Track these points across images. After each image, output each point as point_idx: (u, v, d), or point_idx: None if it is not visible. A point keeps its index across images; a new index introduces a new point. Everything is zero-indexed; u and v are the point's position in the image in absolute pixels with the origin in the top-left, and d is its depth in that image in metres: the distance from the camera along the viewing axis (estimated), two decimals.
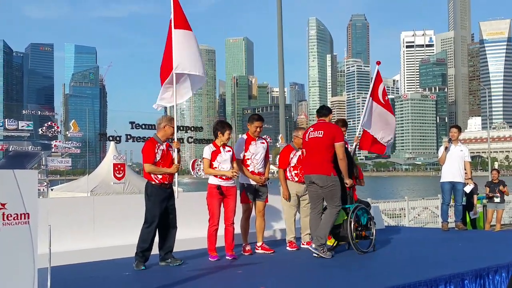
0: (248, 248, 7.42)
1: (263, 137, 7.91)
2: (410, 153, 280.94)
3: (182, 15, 7.17)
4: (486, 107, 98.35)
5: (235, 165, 7.10)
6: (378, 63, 9.50)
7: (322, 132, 7.03)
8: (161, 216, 6.51)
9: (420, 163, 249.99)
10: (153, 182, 6.54)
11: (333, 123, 7.64)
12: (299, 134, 7.96)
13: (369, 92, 9.17)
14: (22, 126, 8.26)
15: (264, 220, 7.64)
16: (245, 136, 7.60)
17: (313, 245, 6.90)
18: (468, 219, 12.73)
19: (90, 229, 7.31)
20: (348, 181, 7.03)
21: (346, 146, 8.45)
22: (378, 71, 9.35)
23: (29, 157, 3.95)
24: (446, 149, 9.91)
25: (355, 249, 7.11)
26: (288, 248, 7.79)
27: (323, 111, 7.35)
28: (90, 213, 7.39)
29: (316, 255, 6.83)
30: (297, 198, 7.92)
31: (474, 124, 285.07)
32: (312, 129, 7.27)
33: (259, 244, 7.57)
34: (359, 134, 8.88)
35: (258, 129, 7.50)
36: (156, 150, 6.57)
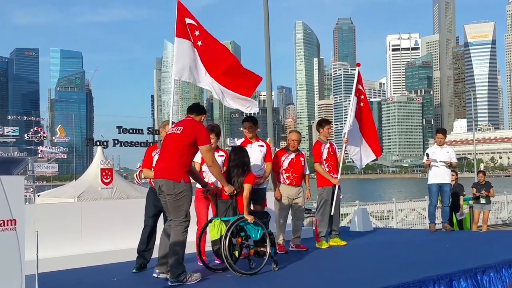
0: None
1: (264, 140, 7.91)
2: (397, 155, 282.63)
3: (183, 24, 7.21)
4: (472, 109, 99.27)
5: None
6: (358, 65, 9.65)
7: (181, 128, 5.82)
8: (155, 218, 6.57)
9: (407, 165, 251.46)
10: (150, 185, 6.63)
11: (317, 123, 7.70)
12: (291, 137, 7.99)
13: (353, 92, 9.25)
14: (8, 132, 8.18)
15: None
16: (242, 139, 7.62)
17: (169, 279, 5.56)
18: (454, 220, 12.82)
19: (77, 234, 7.25)
20: (227, 189, 5.98)
21: (332, 151, 8.50)
22: (359, 72, 9.44)
23: (15, 163, 3.91)
24: (427, 161, 10.08)
25: (231, 271, 5.86)
26: (276, 251, 7.77)
27: (194, 107, 6.14)
28: (77, 219, 7.33)
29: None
30: (289, 201, 7.92)
31: (459, 126, 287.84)
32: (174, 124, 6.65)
33: None
34: (346, 137, 8.92)
35: (247, 130, 7.50)
36: (153, 155, 6.64)
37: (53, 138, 8.98)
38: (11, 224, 3.55)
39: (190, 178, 5.80)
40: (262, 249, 6.11)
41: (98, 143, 8.56)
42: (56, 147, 8.89)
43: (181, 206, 5.61)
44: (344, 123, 9.43)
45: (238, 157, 6.34)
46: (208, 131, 6.93)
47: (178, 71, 7.10)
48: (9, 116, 8.75)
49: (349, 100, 9.32)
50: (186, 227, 5.65)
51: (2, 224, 3.49)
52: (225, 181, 6.00)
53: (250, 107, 7.70)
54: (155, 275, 5.93)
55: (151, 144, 7.02)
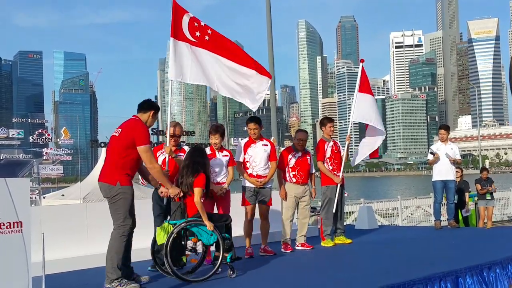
0: (249, 251, 7.41)
1: (268, 139, 7.91)
2: (402, 152, 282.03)
3: (179, 24, 7.10)
4: (476, 105, 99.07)
5: (227, 180, 7.03)
6: (362, 61, 9.64)
7: (120, 130, 5.65)
8: (162, 218, 6.62)
9: (412, 162, 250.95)
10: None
11: (319, 121, 7.68)
12: (298, 136, 7.98)
13: (357, 88, 9.23)
14: (13, 134, 8.23)
15: (268, 223, 7.62)
16: (246, 139, 7.63)
17: (105, 284, 5.33)
18: (460, 217, 12.80)
19: (83, 236, 7.27)
20: (171, 191, 5.69)
21: (335, 149, 8.50)
22: (363, 68, 9.42)
23: (20, 165, 3.93)
24: (434, 158, 10.07)
25: (174, 277, 5.52)
26: (282, 249, 7.79)
27: (141, 104, 5.89)
28: (83, 220, 7.35)
29: None
30: (295, 200, 7.93)
31: (464, 123, 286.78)
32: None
33: (262, 246, 7.58)
34: (350, 132, 8.91)
35: (252, 131, 7.50)
36: (158, 155, 6.71)
37: (58, 140, 9.03)
38: (17, 226, 3.57)
39: (136, 180, 5.78)
40: (217, 253, 5.81)
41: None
42: (61, 149, 8.94)
43: (118, 210, 5.40)
44: (348, 120, 9.40)
45: (191, 156, 6.01)
46: (215, 131, 6.98)
47: (173, 72, 7.01)
48: (13, 119, 8.81)
49: (353, 98, 9.30)
50: (124, 232, 5.40)
51: (8, 226, 3.51)
52: (169, 183, 5.72)
53: (259, 97, 7.58)
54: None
55: (155, 145, 7.01)
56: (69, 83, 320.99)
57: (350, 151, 9.24)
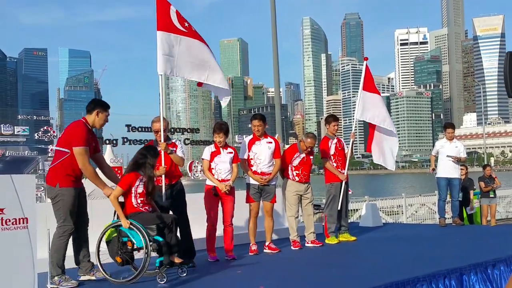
0: (254, 248, 7.43)
1: (273, 136, 7.92)
2: (407, 150, 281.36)
3: (167, 16, 6.88)
4: (481, 103, 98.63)
5: (232, 177, 7.05)
6: (366, 59, 9.61)
7: (61, 133, 5.78)
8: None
9: (416, 160, 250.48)
10: None
11: (324, 119, 7.67)
12: (306, 141, 7.90)
13: (360, 87, 9.21)
14: (18, 131, 8.26)
15: (273, 220, 7.64)
16: (251, 136, 7.63)
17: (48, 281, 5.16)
18: (465, 215, 12.76)
19: (88, 233, 7.29)
20: (104, 191, 5.67)
21: (339, 146, 8.51)
22: (367, 66, 9.39)
23: (26, 162, 3.96)
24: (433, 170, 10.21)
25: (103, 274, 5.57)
26: (292, 247, 7.80)
27: (87, 106, 5.86)
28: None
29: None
30: (298, 197, 7.93)
31: (469, 120, 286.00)
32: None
33: (266, 243, 7.59)
34: (355, 130, 8.91)
35: (256, 128, 7.51)
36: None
37: None
38: (23, 222, 3.60)
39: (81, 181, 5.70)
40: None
41: (107, 142, 8.61)
42: None
43: (58, 211, 5.44)
44: (353, 118, 9.39)
45: (135, 155, 5.95)
46: (218, 129, 6.95)
47: (162, 66, 6.78)
48: (19, 116, 8.83)
49: (358, 96, 9.29)
50: (64, 232, 5.42)
51: (14, 223, 3.53)
52: (103, 184, 5.67)
53: (226, 98, 7.61)
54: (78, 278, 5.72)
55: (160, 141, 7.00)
56: (74, 80, 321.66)
57: (355, 149, 9.23)
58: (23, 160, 4.16)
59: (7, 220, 3.50)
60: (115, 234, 5.59)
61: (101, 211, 7.19)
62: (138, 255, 5.68)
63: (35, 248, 3.67)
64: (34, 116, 8.88)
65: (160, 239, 5.53)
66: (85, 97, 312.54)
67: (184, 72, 7.00)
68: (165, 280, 5.44)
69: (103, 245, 5.68)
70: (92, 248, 5.67)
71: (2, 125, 8.14)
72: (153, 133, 6.99)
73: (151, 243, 5.43)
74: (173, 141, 6.81)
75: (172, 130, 9.88)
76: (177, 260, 5.65)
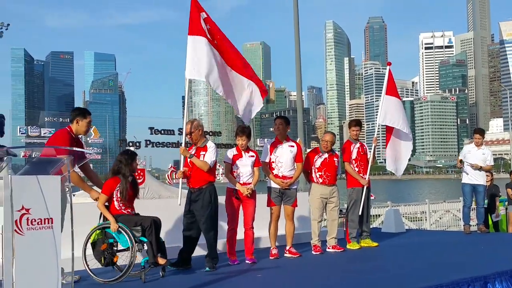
0: (274, 252, 7.41)
1: (295, 140, 7.92)
2: (431, 155, 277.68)
3: (197, 21, 6.97)
4: (508, 108, 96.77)
5: (253, 181, 7.06)
6: (389, 64, 9.59)
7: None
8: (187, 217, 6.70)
9: (441, 165, 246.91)
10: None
11: (348, 123, 7.68)
12: (324, 138, 7.97)
13: (383, 92, 9.17)
14: (44, 133, 8.44)
15: (293, 224, 7.61)
16: (273, 140, 7.65)
17: None
18: (490, 222, 12.53)
19: (73, 237, 7.34)
20: (91, 195, 5.96)
21: (362, 151, 8.45)
22: (390, 71, 9.36)
23: (52, 163, 4.04)
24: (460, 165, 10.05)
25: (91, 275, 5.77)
26: (313, 252, 7.77)
27: (70, 114, 6.15)
28: None
29: None
30: (322, 201, 7.90)
31: (495, 126, 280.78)
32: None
33: (287, 247, 7.58)
34: (377, 134, 8.84)
35: (276, 126, 7.53)
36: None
37: (88, 139, 9.19)
38: (48, 223, 3.66)
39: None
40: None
41: (130, 144, 8.73)
42: (91, 148, 9.11)
43: None
44: (375, 122, 9.34)
45: (117, 158, 6.23)
46: (241, 132, 6.96)
47: (191, 71, 6.87)
48: (45, 118, 9.01)
49: (380, 101, 9.23)
50: None
51: (39, 223, 3.60)
52: (89, 187, 5.96)
53: (250, 115, 7.58)
54: None
55: (181, 145, 7.04)
56: (99, 83, 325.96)
57: (378, 154, 9.17)
58: (49, 162, 4.24)
59: (33, 220, 3.56)
60: (101, 236, 5.83)
61: (84, 215, 7.23)
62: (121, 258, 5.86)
63: (59, 248, 3.73)
64: (60, 118, 9.06)
65: (145, 239, 5.78)
66: (110, 99, 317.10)
67: (210, 79, 6.98)
68: (143, 278, 5.68)
69: (90, 247, 5.89)
70: (77, 252, 5.69)
71: (29, 127, 8.33)
72: None
73: (136, 243, 5.70)
74: (206, 144, 6.71)
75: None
76: (161, 260, 5.84)
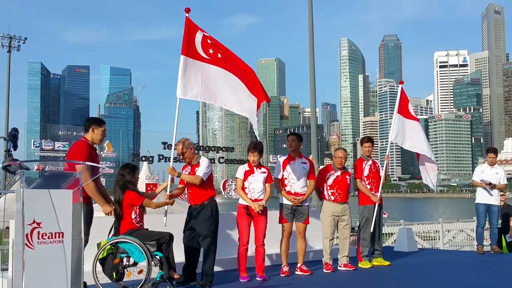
0: (285, 269, 7.35)
1: (307, 157, 7.90)
2: (445, 174, 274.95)
3: (192, 42, 6.99)
4: None
5: (265, 197, 7.04)
6: (401, 82, 9.67)
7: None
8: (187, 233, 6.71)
9: (455, 184, 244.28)
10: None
11: (360, 140, 7.68)
12: (337, 154, 7.94)
13: (395, 110, 9.20)
14: (58, 147, 8.50)
15: (305, 241, 7.56)
16: (285, 156, 7.64)
17: None
18: (504, 243, 12.33)
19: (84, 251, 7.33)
20: (103, 209, 5.91)
21: (374, 168, 8.41)
22: (402, 90, 9.40)
23: (64, 177, 4.06)
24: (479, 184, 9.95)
25: None
26: (324, 270, 7.70)
27: (84, 124, 6.18)
28: None
29: None
30: (334, 219, 7.83)
31: (510, 145, 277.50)
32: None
33: (298, 265, 7.52)
34: (390, 152, 8.80)
35: (289, 143, 7.53)
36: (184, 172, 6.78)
37: (101, 153, 9.24)
38: (59, 237, 3.67)
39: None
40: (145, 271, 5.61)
41: (144, 158, 8.76)
42: (104, 162, 9.15)
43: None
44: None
45: (118, 173, 6.23)
46: (254, 149, 6.95)
47: (181, 90, 6.86)
48: (60, 132, 9.08)
49: (393, 118, 9.22)
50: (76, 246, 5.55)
51: (50, 237, 3.61)
52: (102, 200, 5.86)
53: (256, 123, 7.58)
54: None
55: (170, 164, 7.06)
56: (114, 97, 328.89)
57: (392, 172, 9.15)
58: (62, 175, 4.27)
59: (44, 234, 3.58)
60: (112, 251, 5.75)
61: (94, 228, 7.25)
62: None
63: (69, 262, 3.73)
64: (74, 132, 9.12)
65: (160, 254, 5.78)
66: (125, 114, 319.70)
67: (203, 96, 7.01)
68: None
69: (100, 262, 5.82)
70: (87, 267, 5.58)
71: (43, 141, 8.40)
72: None
73: (152, 258, 5.66)
74: (199, 160, 6.71)
75: (207, 148, 9.98)
76: (175, 275, 5.87)
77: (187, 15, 7.02)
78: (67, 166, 5.68)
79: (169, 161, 7.16)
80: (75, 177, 4.21)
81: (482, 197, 9.85)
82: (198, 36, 7.04)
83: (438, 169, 9.83)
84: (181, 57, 6.91)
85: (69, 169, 5.53)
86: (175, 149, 6.77)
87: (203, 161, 6.68)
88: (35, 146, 8.38)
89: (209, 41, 7.11)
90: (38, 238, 3.53)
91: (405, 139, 9.10)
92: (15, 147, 4.47)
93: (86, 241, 5.59)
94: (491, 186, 9.73)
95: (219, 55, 7.15)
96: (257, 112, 7.34)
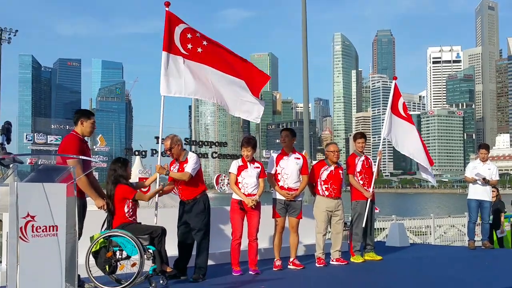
0: (278, 263, 7.39)
1: (300, 152, 7.92)
2: (437, 170, 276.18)
3: (171, 37, 6.93)
4: None
5: (258, 192, 7.07)
6: (395, 78, 9.71)
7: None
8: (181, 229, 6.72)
9: (446, 180, 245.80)
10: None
11: (353, 136, 7.71)
12: (330, 149, 7.98)
13: (389, 107, 9.26)
14: (51, 140, 8.46)
15: (298, 236, 7.60)
16: (279, 151, 7.67)
17: None
18: (495, 238, 12.45)
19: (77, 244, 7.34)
20: (96, 203, 5.91)
21: (367, 164, 8.46)
22: (396, 86, 9.45)
23: (58, 171, 4.06)
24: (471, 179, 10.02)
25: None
26: (316, 264, 7.75)
27: (73, 117, 6.15)
28: None
29: None
30: (327, 214, 7.88)
31: (502, 141, 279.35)
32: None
33: (291, 259, 7.57)
34: (382, 148, 8.88)
35: (282, 139, 7.56)
36: (172, 169, 6.77)
37: (94, 147, 9.21)
38: (53, 230, 3.68)
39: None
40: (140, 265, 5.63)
41: (136, 153, 8.74)
42: (97, 156, 9.12)
43: None
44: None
45: (110, 168, 6.24)
46: (247, 143, 6.97)
47: (165, 88, 6.88)
48: (52, 125, 9.04)
49: (386, 114, 9.27)
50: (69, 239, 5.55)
51: (44, 230, 3.62)
52: (94, 194, 5.87)
53: (258, 115, 7.64)
54: None
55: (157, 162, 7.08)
56: (106, 91, 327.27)
57: (384, 167, 9.21)
58: (55, 169, 4.26)
59: (38, 227, 3.58)
60: (105, 244, 5.77)
61: (87, 222, 7.26)
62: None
63: (63, 255, 3.74)
64: (67, 126, 9.08)
65: (153, 248, 5.82)
66: (117, 108, 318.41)
67: (187, 92, 7.01)
68: (154, 285, 5.63)
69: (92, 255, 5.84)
70: (80, 260, 5.71)
71: (35, 134, 8.36)
72: None
73: (144, 252, 5.68)
74: (187, 156, 6.70)
75: (200, 143, 9.97)
76: (168, 269, 5.93)
77: (167, 9, 6.97)
78: (60, 160, 5.67)
79: (164, 156, 7.16)
80: (68, 171, 4.21)
81: (475, 193, 9.93)
82: (177, 31, 6.98)
83: (432, 164, 9.86)
84: (163, 54, 6.88)
85: (62, 163, 5.52)
86: (162, 143, 6.78)
87: (191, 157, 6.67)
88: (28, 140, 8.33)
89: (189, 35, 7.05)
90: (32, 231, 3.54)
91: (398, 140, 9.18)
92: (8, 140, 4.45)
93: (80, 235, 5.58)
94: (485, 181, 9.80)
95: (199, 49, 7.11)
96: (257, 100, 7.39)
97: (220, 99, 7.32)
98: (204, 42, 7.18)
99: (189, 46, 7.05)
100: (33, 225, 3.55)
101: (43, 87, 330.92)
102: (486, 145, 10.40)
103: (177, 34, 6.97)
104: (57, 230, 3.67)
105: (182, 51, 6.99)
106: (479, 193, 9.89)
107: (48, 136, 8.66)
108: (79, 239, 5.35)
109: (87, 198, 6.00)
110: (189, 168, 6.57)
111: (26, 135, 8.39)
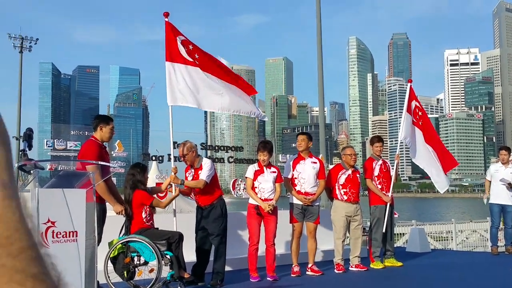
0: (296, 269, 7.32)
1: (317, 156, 7.88)
2: (457, 173, 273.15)
3: (174, 46, 6.98)
4: None
5: (275, 197, 7.03)
6: (410, 81, 9.63)
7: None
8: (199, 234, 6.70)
9: (467, 184, 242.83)
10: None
11: (370, 140, 7.63)
12: (347, 152, 7.93)
13: (404, 110, 9.15)
14: (70, 146, 8.53)
15: (316, 241, 7.53)
16: (295, 156, 7.62)
17: None
18: None
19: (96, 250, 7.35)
20: (114, 208, 5.91)
21: (384, 168, 8.36)
22: (411, 88, 9.35)
23: (77, 177, 4.07)
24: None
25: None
26: (335, 270, 7.66)
27: (92, 123, 6.18)
28: None
29: None
30: (346, 219, 7.79)
31: None
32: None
33: (309, 265, 7.49)
34: (400, 151, 8.76)
35: (298, 143, 7.50)
36: (187, 175, 6.79)
37: (112, 153, 9.26)
38: (73, 236, 3.68)
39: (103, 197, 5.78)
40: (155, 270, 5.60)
41: (153, 158, 8.76)
42: (115, 162, 9.17)
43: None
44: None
45: (128, 172, 6.25)
46: (263, 148, 6.95)
47: (171, 97, 6.89)
48: (71, 131, 9.12)
49: (402, 117, 9.17)
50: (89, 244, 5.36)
51: (64, 235, 3.62)
52: (113, 200, 5.86)
53: (262, 114, 7.69)
54: None
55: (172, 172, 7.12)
56: (123, 97, 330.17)
57: (402, 171, 9.09)
58: (75, 175, 4.28)
59: (58, 233, 3.59)
60: (123, 250, 5.75)
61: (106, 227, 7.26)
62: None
63: (83, 260, 3.74)
64: (86, 132, 9.15)
65: (170, 253, 5.79)
66: (134, 113, 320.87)
67: (193, 101, 7.03)
68: None
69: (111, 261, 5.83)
70: (99, 265, 5.69)
71: (55, 140, 8.43)
72: None
73: (162, 258, 5.66)
74: (201, 163, 6.65)
75: (216, 148, 9.97)
76: (186, 275, 5.91)
77: (166, 19, 6.97)
78: (80, 166, 5.70)
79: (178, 161, 7.16)
80: (88, 177, 4.21)
81: (497, 197, 9.77)
82: (179, 39, 7.04)
83: (457, 164, 9.67)
84: (166, 64, 6.90)
85: (81, 169, 5.55)
86: (174, 148, 6.80)
87: (206, 163, 6.63)
88: (48, 146, 8.41)
89: (190, 47, 7.11)
90: (53, 237, 3.54)
91: (413, 150, 9.06)
92: (30, 146, 4.49)
93: (99, 240, 5.60)
94: (511, 186, 9.62)
95: (197, 55, 7.16)
96: (252, 104, 7.47)
97: (227, 105, 7.33)
98: (196, 55, 7.21)
99: (196, 55, 7.17)
100: (53, 230, 3.56)
101: (63, 93, 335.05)
102: (506, 147, 10.26)
103: (180, 42, 7.07)
104: (77, 236, 3.67)
105: (189, 58, 7.04)
106: (501, 197, 9.72)
107: (68, 142, 8.74)
108: (98, 244, 5.37)
109: (106, 203, 6.02)
110: (203, 175, 6.52)
111: (47, 141, 8.47)
